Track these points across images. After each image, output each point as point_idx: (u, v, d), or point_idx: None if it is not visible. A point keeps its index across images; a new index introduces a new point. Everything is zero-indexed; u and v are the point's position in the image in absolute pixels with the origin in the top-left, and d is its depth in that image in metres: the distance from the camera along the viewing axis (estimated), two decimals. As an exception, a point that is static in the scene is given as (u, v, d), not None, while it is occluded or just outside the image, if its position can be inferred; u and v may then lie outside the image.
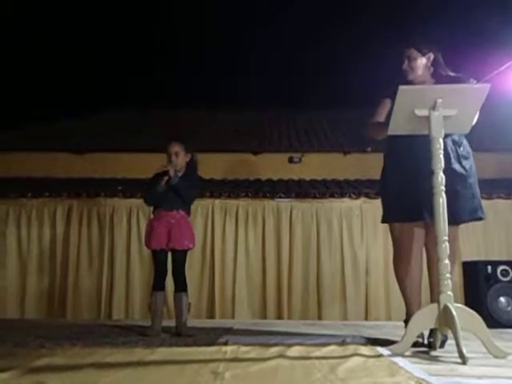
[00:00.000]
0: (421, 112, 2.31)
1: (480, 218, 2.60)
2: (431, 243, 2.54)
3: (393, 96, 2.50)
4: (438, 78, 2.65)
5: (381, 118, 2.69)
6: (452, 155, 2.52)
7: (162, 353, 2.15)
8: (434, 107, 2.28)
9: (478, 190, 2.60)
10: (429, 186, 2.32)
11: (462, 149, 2.59)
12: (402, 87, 2.31)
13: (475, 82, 2.54)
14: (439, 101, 2.26)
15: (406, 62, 2.65)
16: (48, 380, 1.57)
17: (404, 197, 2.55)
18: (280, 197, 5.42)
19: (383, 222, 2.74)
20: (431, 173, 2.27)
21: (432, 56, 2.65)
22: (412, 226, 2.60)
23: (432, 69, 2.68)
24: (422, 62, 2.64)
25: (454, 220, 2.37)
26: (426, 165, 2.35)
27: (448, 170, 2.33)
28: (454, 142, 2.57)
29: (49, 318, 5.01)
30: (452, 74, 2.66)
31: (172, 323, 3.24)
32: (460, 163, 2.54)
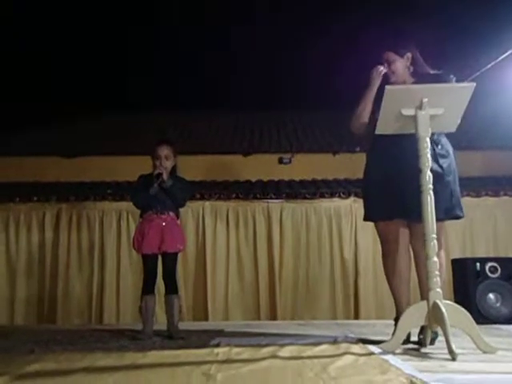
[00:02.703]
0: (407, 111, 2.33)
1: (458, 217, 2.61)
2: (416, 241, 2.58)
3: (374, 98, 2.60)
4: (417, 76, 2.68)
5: (365, 117, 2.72)
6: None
7: (153, 356, 2.14)
8: (420, 106, 2.30)
9: (457, 189, 2.61)
10: (409, 185, 2.39)
11: (439, 147, 2.60)
12: (388, 87, 2.33)
13: (455, 78, 2.57)
14: (425, 100, 2.29)
15: (386, 65, 2.68)
16: (39, 385, 1.56)
17: (384, 195, 2.59)
18: (270, 198, 5.43)
19: (365, 220, 2.78)
20: (419, 171, 2.30)
21: (410, 55, 2.68)
22: (394, 223, 2.63)
23: (412, 68, 2.71)
24: (401, 63, 2.68)
25: (437, 217, 2.35)
26: (406, 163, 2.42)
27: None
28: (432, 141, 2.58)
29: (39, 323, 4.96)
30: (432, 71, 2.69)
31: (163, 326, 3.23)
32: (437, 162, 2.53)
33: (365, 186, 2.81)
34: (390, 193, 2.56)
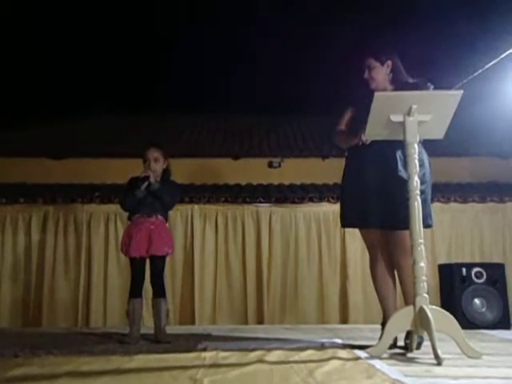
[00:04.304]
0: (396, 118, 2.36)
1: (429, 225, 2.62)
2: (394, 249, 2.61)
3: (355, 104, 2.69)
4: (396, 84, 2.72)
5: (342, 126, 2.80)
6: (400, 163, 2.56)
7: (140, 360, 2.13)
8: (409, 113, 2.33)
9: (429, 198, 2.64)
10: (382, 195, 2.50)
11: None
12: (377, 93, 2.36)
13: (432, 86, 2.61)
14: (414, 106, 2.31)
15: (367, 71, 2.73)
16: (23, 390, 1.54)
17: (355, 204, 2.65)
18: (259, 201, 5.43)
19: (342, 226, 2.86)
20: (407, 177, 2.33)
21: (391, 63, 2.73)
22: (373, 231, 2.67)
23: (391, 75, 2.74)
24: (381, 70, 2.72)
25: (404, 226, 2.36)
26: (380, 173, 2.53)
27: (394, 177, 2.48)
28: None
29: (24, 326, 4.90)
30: (410, 79, 2.73)
31: (151, 330, 3.21)
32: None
33: (340, 194, 2.87)
34: (363, 202, 2.61)
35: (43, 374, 1.83)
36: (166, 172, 3.33)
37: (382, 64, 2.71)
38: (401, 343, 2.53)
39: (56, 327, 4.77)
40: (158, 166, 3.25)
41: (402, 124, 2.35)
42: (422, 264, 2.23)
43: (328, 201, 5.44)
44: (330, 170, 6.46)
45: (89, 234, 5.20)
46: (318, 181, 6.26)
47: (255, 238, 5.31)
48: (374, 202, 2.57)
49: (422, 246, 2.26)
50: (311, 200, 5.47)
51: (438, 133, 2.47)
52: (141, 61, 10.58)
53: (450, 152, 6.11)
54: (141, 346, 2.86)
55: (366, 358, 2.13)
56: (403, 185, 2.38)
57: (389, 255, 2.69)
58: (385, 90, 2.70)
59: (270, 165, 6.60)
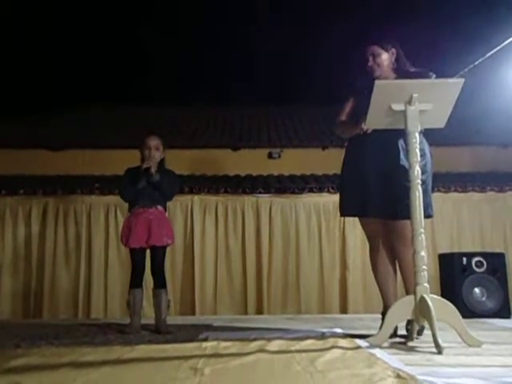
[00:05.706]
0: (397, 106, 2.33)
1: (429, 215, 2.60)
2: (394, 239, 2.61)
3: (355, 94, 2.67)
4: (399, 73, 2.70)
5: (343, 116, 2.78)
6: (402, 153, 2.56)
7: (141, 350, 2.13)
8: (410, 102, 2.31)
9: (430, 188, 2.63)
10: (382, 183, 2.50)
11: None
12: (378, 82, 2.33)
13: (434, 75, 2.58)
14: (415, 95, 2.29)
15: (371, 58, 2.69)
16: (25, 380, 1.54)
17: (355, 193, 2.64)
18: (259, 192, 5.42)
19: (340, 215, 2.84)
20: (404, 169, 2.33)
21: (395, 51, 2.70)
22: (373, 220, 2.66)
23: (395, 64, 2.72)
24: (386, 57, 2.69)
25: (407, 215, 2.34)
26: (379, 162, 2.52)
27: (396, 167, 2.48)
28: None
29: (25, 318, 4.91)
30: (412, 68, 2.71)
31: (151, 321, 3.22)
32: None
33: (340, 182, 2.87)
34: (357, 191, 2.61)
35: (44, 364, 1.83)
36: (162, 161, 3.33)
37: (387, 51, 2.68)
38: (401, 332, 2.54)
39: (57, 318, 4.79)
40: (157, 154, 3.25)
41: (403, 113, 2.33)
42: (423, 253, 2.23)
43: (328, 191, 5.43)
44: (330, 161, 6.44)
45: (89, 225, 5.20)
46: (317, 171, 6.25)
47: (255, 228, 5.31)
48: (375, 191, 2.56)
49: (423, 236, 2.25)
50: (311, 190, 5.46)
51: (439, 122, 2.45)
52: (140, 52, 10.52)
53: (450, 141, 6.09)
54: (142, 336, 2.87)
55: (367, 347, 2.13)
56: (405, 174, 2.36)
57: (389, 245, 2.68)
58: (388, 78, 2.68)
59: (270, 155, 6.59)
